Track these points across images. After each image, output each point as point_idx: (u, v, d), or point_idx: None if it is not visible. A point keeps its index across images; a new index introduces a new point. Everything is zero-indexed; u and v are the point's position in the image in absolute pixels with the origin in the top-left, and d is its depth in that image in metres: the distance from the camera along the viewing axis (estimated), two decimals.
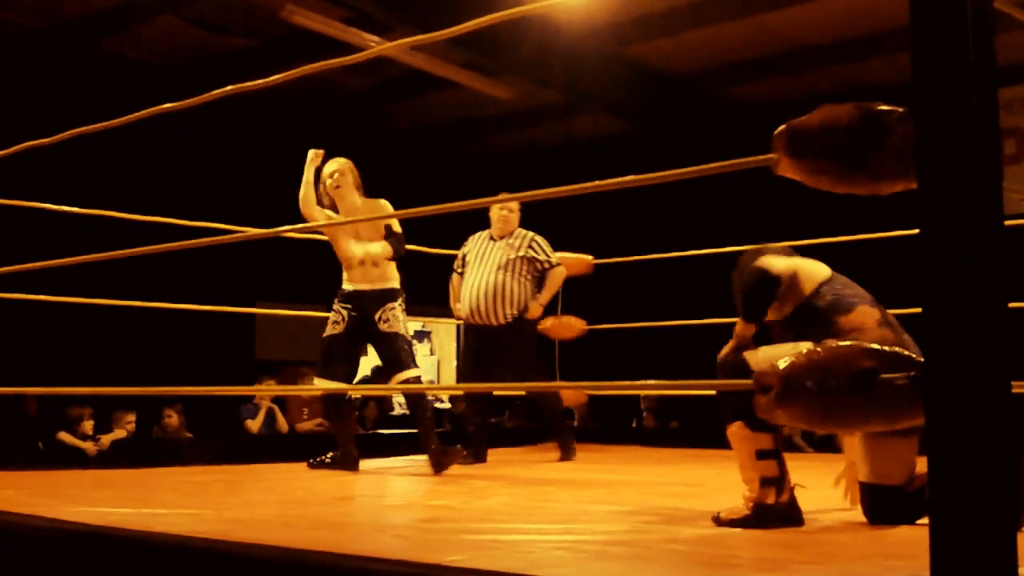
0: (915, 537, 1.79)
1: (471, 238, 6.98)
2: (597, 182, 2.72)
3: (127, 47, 9.97)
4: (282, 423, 9.48)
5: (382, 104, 11.57)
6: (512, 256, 6.68)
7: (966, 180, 1.81)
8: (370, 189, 10.72)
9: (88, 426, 7.55)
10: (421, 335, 15.49)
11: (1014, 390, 1.84)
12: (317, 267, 10.62)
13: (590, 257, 7.10)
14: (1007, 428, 1.78)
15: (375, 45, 8.77)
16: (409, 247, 6.97)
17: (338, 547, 2.60)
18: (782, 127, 2.14)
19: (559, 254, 6.97)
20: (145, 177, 10.05)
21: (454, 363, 15.07)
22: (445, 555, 2.49)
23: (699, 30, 9.61)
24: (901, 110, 2.02)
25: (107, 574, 2.99)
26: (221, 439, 8.41)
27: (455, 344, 15.04)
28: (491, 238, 6.85)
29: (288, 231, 3.93)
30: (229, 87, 3.62)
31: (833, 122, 2.07)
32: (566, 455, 6.82)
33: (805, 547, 2.80)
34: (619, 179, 2.62)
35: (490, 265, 6.68)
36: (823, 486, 3.81)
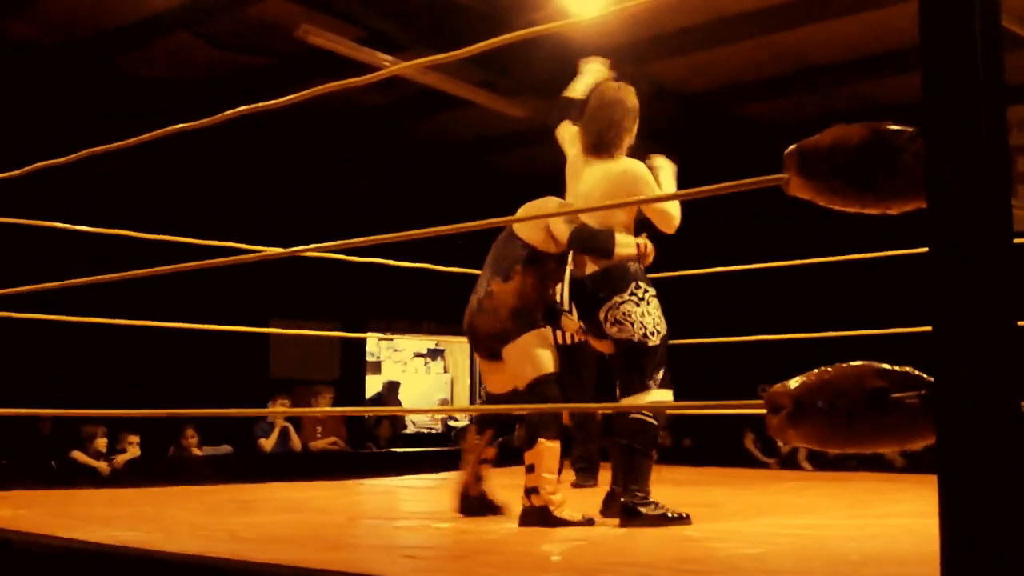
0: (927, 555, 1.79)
1: None
2: (609, 202, 2.72)
3: (142, 65, 10.01)
4: (296, 441, 9.47)
5: (398, 122, 11.60)
6: None
7: (976, 198, 1.81)
8: (388, 205, 10.77)
9: (102, 444, 7.56)
10: (435, 353, 15.51)
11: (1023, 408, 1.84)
12: (331, 285, 10.71)
13: None
14: (1016, 446, 1.78)
15: (389, 64, 8.79)
16: (423, 266, 6.99)
17: (348, 567, 2.60)
18: (793, 147, 2.13)
19: None
20: (160, 196, 10.08)
21: (467, 381, 15.08)
22: None
23: (713, 49, 9.62)
24: (911, 130, 2.01)
25: None
26: (235, 458, 8.44)
27: (469, 363, 15.06)
28: None
29: (304, 251, 3.93)
30: (244, 107, 3.62)
31: (844, 142, 2.06)
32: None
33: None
34: (633, 199, 2.62)
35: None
36: (831, 508, 3.80)
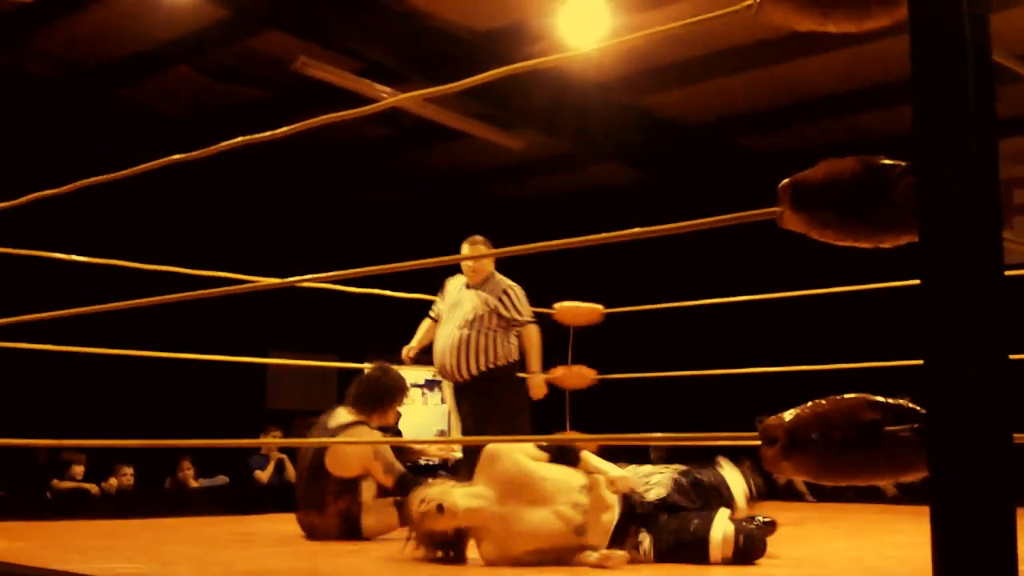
0: None
1: (449, 282, 6.71)
2: (606, 234, 2.74)
3: (141, 97, 10.07)
4: (291, 472, 9.45)
5: (396, 153, 11.65)
6: (481, 311, 6.38)
7: (966, 232, 1.83)
8: (384, 234, 10.79)
9: (79, 471, 7.58)
10: (432, 384, 15.48)
11: (1015, 440, 1.85)
12: (329, 316, 10.71)
13: (600, 306, 7.10)
14: (1008, 480, 1.79)
15: (387, 96, 8.83)
16: (417, 296, 6.99)
17: None
18: (786, 181, 2.15)
19: (567, 304, 6.95)
20: (159, 226, 10.11)
21: None
22: None
23: (710, 81, 9.68)
24: (903, 164, 2.03)
25: None
26: (231, 489, 8.42)
27: None
28: (466, 285, 6.54)
29: (302, 281, 3.94)
30: (241, 138, 3.64)
31: (836, 176, 2.08)
32: None
33: None
34: (626, 231, 2.64)
35: (458, 319, 6.41)
36: (829, 539, 3.80)
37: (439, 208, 12.69)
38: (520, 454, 3.85)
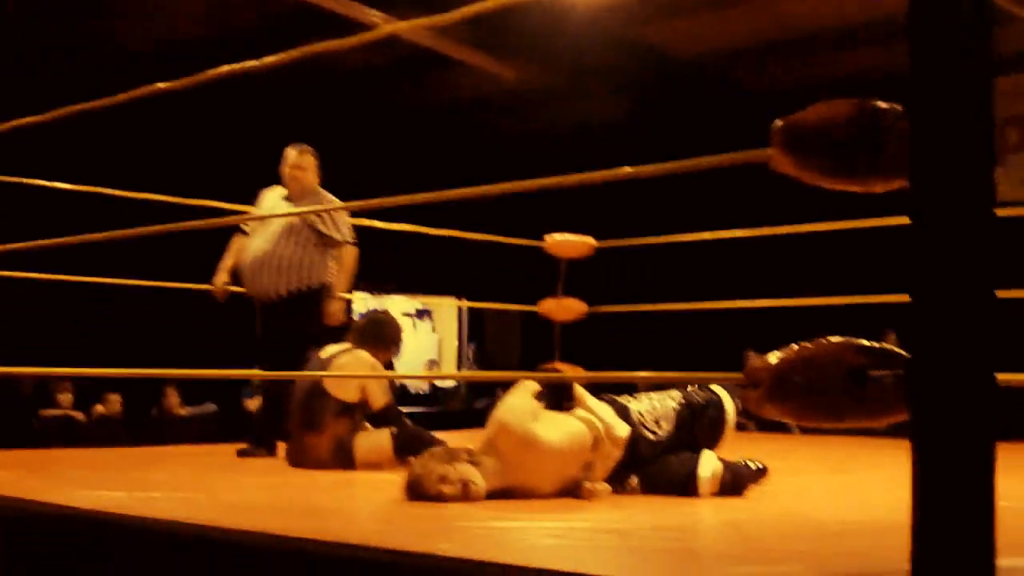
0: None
1: (265, 193, 6.10)
2: (595, 173, 2.71)
3: (127, 24, 9.93)
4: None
5: (385, 83, 11.55)
6: (297, 224, 5.81)
7: (958, 177, 1.81)
8: (375, 167, 10.71)
9: (66, 400, 7.58)
10: (422, 313, 15.50)
11: (999, 381, 1.85)
12: None
13: (591, 239, 7.07)
14: (989, 424, 1.79)
15: (379, 20, 8.73)
16: (410, 228, 6.95)
17: (327, 535, 2.60)
18: (778, 122, 2.12)
19: (560, 235, 6.92)
20: (148, 157, 10.04)
21: (455, 342, 15.09)
22: (436, 543, 2.49)
23: (709, 13, 9.58)
24: (898, 108, 2.00)
25: (98, 559, 3.00)
26: (220, 417, 8.43)
27: (456, 323, 15.05)
28: (285, 198, 5.99)
29: (293, 215, 3.92)
30: (226, 67, 3.59)
31: (829, 119, 2.05)
32: (252, 450, 5.68)
33: (793, 540, 2.80)
34: (615, 170, 2.61)
35: (270, 232, 5.82)
36: (814, 472, 3.81)
37: (431, 138, 12.61)
38: (529, 419, 3.74)
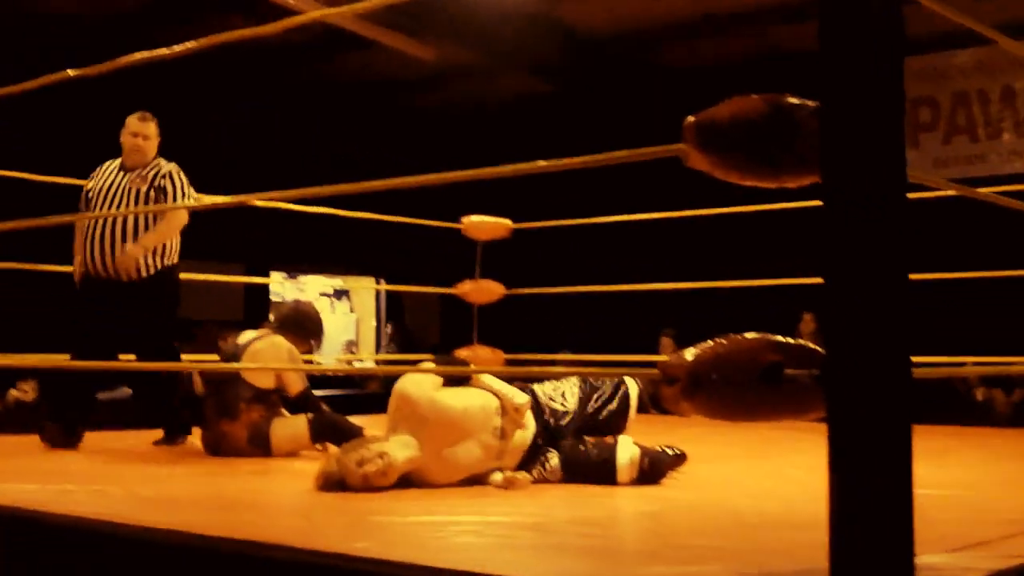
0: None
1: (98, 170, 5.64)
2: (511, 166, 2.70)
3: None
4: (199, 384, 9.34)
5: (303, 63, 11.43)
6: (143, 189, 5.42)
7: (870, 155, 1.83)
8: (292, 146, 10.54)
9: None
10: (340, 293, 15.42)
11: (914, 375, 1.88)
12: (236, 226, 10.56)
13: (508, 221, 7.07)
14: (904, 418, 1.82)
15: (299, 2, 8.62)
16: (328, 211, 6.90)
17: (242, 532, 2.58)
18: (691, 119, 2.13)
19: (475, 217, 6.92)
20: (62, 139, 9.84)
21: (373, 322, 15.01)
22: (353, 542, 2.48)
23: None
24: (811, 105, 2.01)
25: (9, 557, 2.95)
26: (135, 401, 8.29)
27: (375, 303, 14.97)
28: (122, 169, 5.54)
29: (215, 206, 3.87)
30: (139, 53, 3.53)
31: (743, 116, 2.06)
32: (170, 438, 5.48)
33: (715, 536, 2.82)
34: (531, 164, 2.60)
35: (116, 201, 5.41)
36: (731, 458, 3.83)
37: (352, 119, 12.52)
38: (432, 389, 3.82)
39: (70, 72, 3.67)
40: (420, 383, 3.84)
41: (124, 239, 5.32)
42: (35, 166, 6.32)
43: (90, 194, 5.51)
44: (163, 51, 3.49)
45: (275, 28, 3.36)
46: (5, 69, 4.09)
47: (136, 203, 5.40)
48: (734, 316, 9.20)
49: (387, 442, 3.68)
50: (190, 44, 3.42)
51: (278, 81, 11.72)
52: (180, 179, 5.52)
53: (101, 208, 5.41)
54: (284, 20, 3.41)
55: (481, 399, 3.85)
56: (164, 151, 5.62)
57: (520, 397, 3.89)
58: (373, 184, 2.94)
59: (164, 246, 5.42)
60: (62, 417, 5.32)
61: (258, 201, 4.45)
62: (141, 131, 5.53)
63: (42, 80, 3.66)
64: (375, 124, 12.62)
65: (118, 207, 5.39)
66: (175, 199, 5.43)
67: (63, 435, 5.23)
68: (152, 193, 5.42)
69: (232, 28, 3.37)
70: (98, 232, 5.35)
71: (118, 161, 5.58)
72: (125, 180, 5.46)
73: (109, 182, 5.49)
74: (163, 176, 5.47)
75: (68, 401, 5.40)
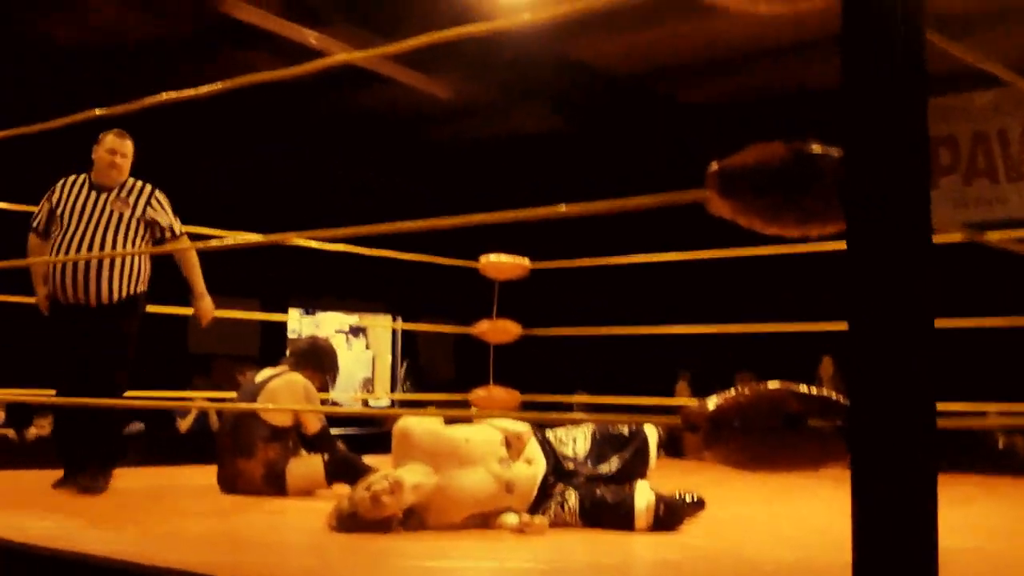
0: None
1: (60, 185, 5.31)
2: (532, 210, 2.70)
3: (56, 28, 9.75)
4: (215, 421, 9.36)
5: (319, 98, 11.47)
6: (127, 213, 5.17)
7: (895, 225, 1.81)
8: (307, 180, 10.47)
9: None
10: (356, 331, 15.41)
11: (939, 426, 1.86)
12: (252, 261, 10.57)
13: (526, 260, 7.06)
14: (931, 468, 1.79)
15: (314, 41, 8.65)
16: (346, 248, 6.89)
17: (254, 572, 2.57)
18: (713, 166, 2.11)
19: (495, 256, 6.91)
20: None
21: (389, 358, 14.99)
22: None
23: (644, 31, 9.62)
24: (835, 152, 2.00)
25: None
26: (149, 437, 8.30)
27: (391, 340, 14.96)
28: (92, 187, 5.24)
29: (228, 246, 3.87)
30: (165, 94, 3.55)
31: (766, 163, 2.04)
32: (92, 486, 4.83)
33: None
34: (551, 208, 2.59)
35: (93, 223, 5.12)
36: (748, 503, 3.80)
37: (369, 153, 12.57)
38: (429, 421, 3.87)
39: (97, 111, 3.68)
40: (421, 420, 3.93)
41: (102, 265, 5.02)
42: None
43: (59, 211, 5.17)
44: (190, 91, 3.49)
45: (302, 70, 3.37)
46: (19, 101, 4.09)
47: (121, 228, 5.11)
48: (751, 359, 9.22)
49: (395, 471, 3.71)
50: (217, 85, 3.42)
51: (295, 115, 11.76)
52: (166, 204, 5.29)
53: (77, 229, 5.10)
54: (314, 62, 3.43)
55: (484, 431, 3.91)
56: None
57: (521, 426, 3.93)
58: (401, 226, 2.93)
59: (139, 269, 5.18)
60: (83, 465, 4.90)
61: (298, 240, 4.44)
62: (119, 149, 5.26)
63: (70, 118, 3.66)
64: (393, 158, 12.65)
65: (97, 230, 5.08)
66: (171, 226, 5.25)
67: (90, 481, 4.83)
68: (141, 223, 5.17)
69: (256, 65, 3.37)
70: (72, 255, 5.02)
71: (83, 177, 5.28)
72: (102, 201, 5.16)
73: (81, 201, 5.16)
74: (148, 204, 5.22)
75: (86, 443, 4.98)
